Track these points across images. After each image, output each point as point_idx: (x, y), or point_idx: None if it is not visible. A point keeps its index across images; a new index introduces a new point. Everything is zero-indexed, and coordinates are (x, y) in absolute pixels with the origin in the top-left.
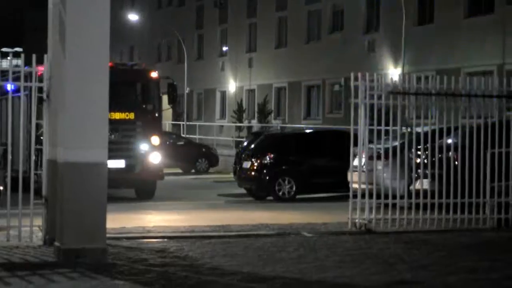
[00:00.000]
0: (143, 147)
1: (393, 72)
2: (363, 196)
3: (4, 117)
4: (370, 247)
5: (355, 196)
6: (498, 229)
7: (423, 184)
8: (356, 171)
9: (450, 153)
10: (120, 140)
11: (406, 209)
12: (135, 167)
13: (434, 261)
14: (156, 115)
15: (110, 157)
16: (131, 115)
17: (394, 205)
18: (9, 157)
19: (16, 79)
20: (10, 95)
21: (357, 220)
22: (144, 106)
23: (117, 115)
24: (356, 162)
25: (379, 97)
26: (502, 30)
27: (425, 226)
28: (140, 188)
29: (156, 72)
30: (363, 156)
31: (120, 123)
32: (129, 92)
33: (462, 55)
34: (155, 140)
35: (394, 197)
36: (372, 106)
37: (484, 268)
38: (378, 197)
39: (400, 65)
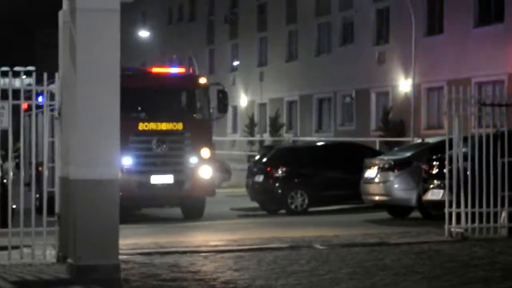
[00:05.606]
0: (193, 160)
1: (404, 84)
2: (458, 205)
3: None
4: (382, 259)
5: (451, 205)
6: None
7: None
8: (369, 182)
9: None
10: (168, 153)
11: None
12: (184, 182)
13: (447, 272)
14: (206, 124)
15: (156, 172)
16: (179, 125)
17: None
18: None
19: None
20: (46, 111)
21: (452, 229)
22: (193, 115)
23: (164, 126)
24: (368, 174)
25: (474, 109)
26: None
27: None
28: (188, 207)
29: (205, 78)
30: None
31: (167, 134)
32: (176, 100)
33: (472, 64)
34: (206, 152)
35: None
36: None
37: (495, 278)
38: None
39: (410, 76)
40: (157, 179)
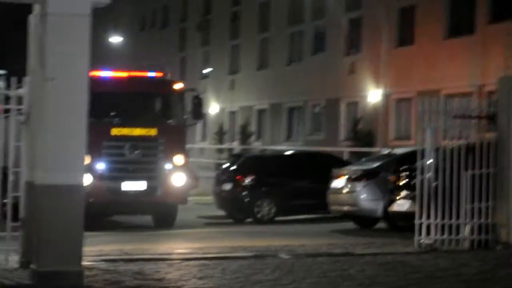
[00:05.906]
0: (166, 167)
1: (374, 94)
2: (428, 217)
3: None
4: (347, 269)
5: (420, 217)
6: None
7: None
8: (337, 192)
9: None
10: (141, 159)
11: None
12: (157, 189)
13: (410, 283)
14: (180, 131)
15: (128, 178)
16: (153, 131)
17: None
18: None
19: None
20: (13, 116)
21: (422, 241)
22: (167, 121)
23: (137, 131)
24: (335, 184)
25: (444, 121)
26: (482, 51)
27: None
28: (160, 214)
29: (181, 83)
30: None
31: (140, 140)
32: (151, 105)
33: (442, 76)
34: (179, 159)
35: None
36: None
37: None
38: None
39: (381, 86)
40: (129, 186)
